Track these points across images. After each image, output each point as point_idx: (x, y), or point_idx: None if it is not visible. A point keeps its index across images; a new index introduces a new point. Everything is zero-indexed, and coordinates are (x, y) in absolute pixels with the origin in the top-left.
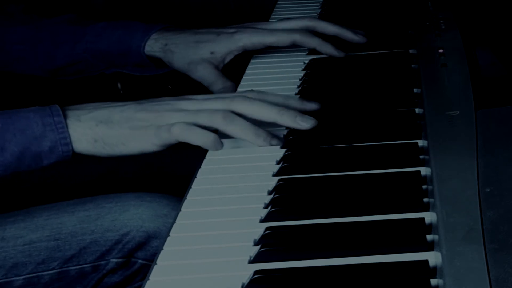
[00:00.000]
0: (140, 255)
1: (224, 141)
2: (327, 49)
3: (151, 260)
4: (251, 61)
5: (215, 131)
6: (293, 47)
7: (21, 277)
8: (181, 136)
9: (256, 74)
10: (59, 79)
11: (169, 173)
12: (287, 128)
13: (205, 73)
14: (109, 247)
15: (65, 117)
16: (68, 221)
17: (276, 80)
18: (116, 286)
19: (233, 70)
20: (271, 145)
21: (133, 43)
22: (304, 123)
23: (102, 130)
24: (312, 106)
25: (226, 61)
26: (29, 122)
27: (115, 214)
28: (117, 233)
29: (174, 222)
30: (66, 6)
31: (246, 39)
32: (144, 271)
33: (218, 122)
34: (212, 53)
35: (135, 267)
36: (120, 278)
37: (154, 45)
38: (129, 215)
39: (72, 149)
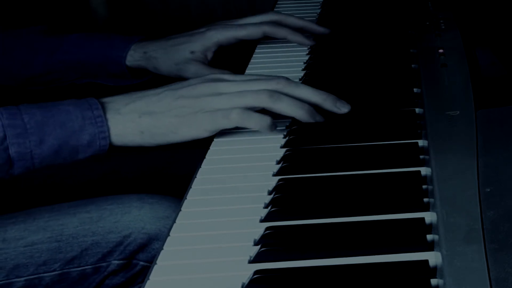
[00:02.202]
0: (141, 257)
1: (225, 140)
2: (298, 37)
3: (153, 262)
4: (251, 61)
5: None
6: (293, 47)
7: (22, 279)
8: (240, 122)
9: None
10: (29, 88)
11: (170, 173)
12: (287, 127)
13: (198, 69)
14: (110, 249)
15: (104, 110)
16: (69, 222)
17: None
18: (117, 287)
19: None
20: (315, 120)
21: (113, 53)
22: (344, 108)
23: (147, 121)
24: (344, 109)
25: (209, 58)
26: (69, 116)
27: (117, 216)
28: (119, 235)
29: (174, 222)
30: (69, 18)
31: (219, 34)
32: (145, 273)
33: (265, 101)
34: (192, 52)
35: (136, 269)
36: (121, 280)
37: (134, 55)
38: (130, 217)
39: (110, 142)
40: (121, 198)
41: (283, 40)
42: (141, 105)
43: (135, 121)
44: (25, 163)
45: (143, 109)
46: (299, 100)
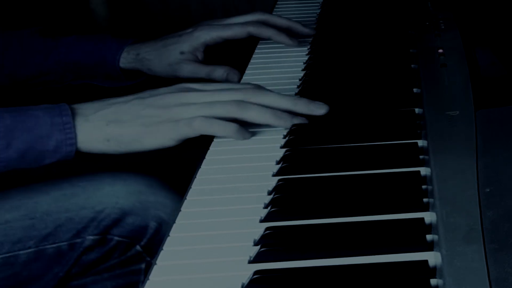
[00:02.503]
0: (115, 231)
1: (225, 140)
2: (282, 38)
3: (127, 236)
4: (251, 61)
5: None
6: (293, 47)
7: None
8: (202, 129)
9: (255, 75)
10: (25, 89)
11: (169, 173)
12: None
13: (193, 68)
14: (84, 225)
15: (73, 116)
16: (43, 200)
17: (276, 80)
18: (93, 263)
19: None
20: (293, 123)
21: (108, 55)
22: (319, 110)
23: (113, 129)
24: (319, 111)
25: (200, 58)
26: (38, 121)
27: (89, 193)
28: (92, 211)
29: (174, 222)
30: (69, 18)
31: (205, 35)
32: (121, 248)
33: (233, 111)
34: (182, 53)
35: (111, 244)
36: (97, 256)
37: (127, 57)
38: (104, 193)
39: (77, 149)
40: (93, 176)
41: None
42: (109, 113)
43: (102, 128)
44: None
45: (110, 117)
46: (270, 108)
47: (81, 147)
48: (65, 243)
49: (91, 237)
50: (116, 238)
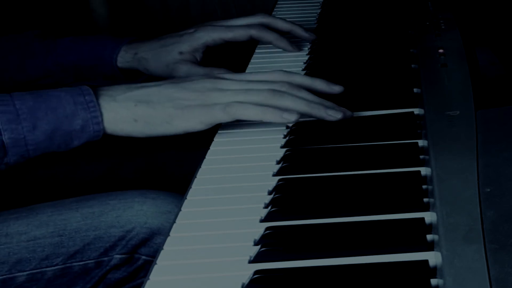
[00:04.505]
0: (143, 251)
1: (225, 140)
2: (283, 43)
3: (155, 256)
4: (251, 61)
5: None
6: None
7: (24, 273)
8: (238, 114)
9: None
10: None
11: (169, 173)
12: (287, 127)
13: (190, 69)
14: (112, 243)
15: (98, 97)
16: (72, 217)
17: None
18: (119, 282)
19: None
20: (328, 115)
21: (105, 54)
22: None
23: (143, 109)
24: (336, 88)
25: (198, 58)
26: (60, 101)
27: (119, 211)
28: (121, 230)
29: (174, 222)
30: (70, 18)
31: (207, 36)
32: (147, 268)
33: (269, 98)
34: (180, 53)
35: (138, 263)
36: (124, 274)
37: (125, 56)
38: (133, 212)
39: (104, 128)
40: (123, 194)
41: None
42: (139, 94)
43: (130, 108)
44: (19, 150)
45: (140, 97)
46: (306, 98)
47: (108, 127)
48: (92, 261)
49: (118, 256)
50: (143, 257)
